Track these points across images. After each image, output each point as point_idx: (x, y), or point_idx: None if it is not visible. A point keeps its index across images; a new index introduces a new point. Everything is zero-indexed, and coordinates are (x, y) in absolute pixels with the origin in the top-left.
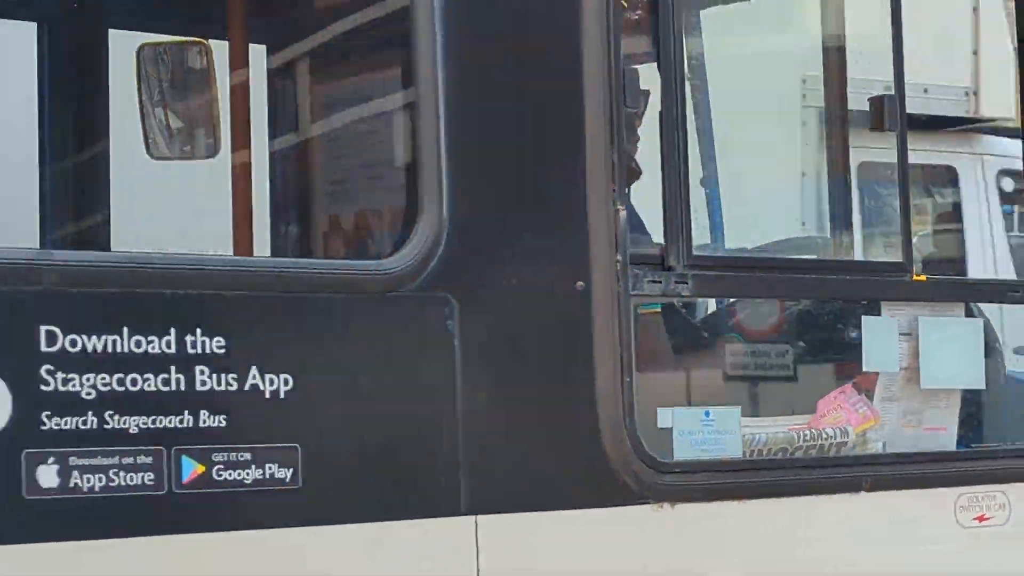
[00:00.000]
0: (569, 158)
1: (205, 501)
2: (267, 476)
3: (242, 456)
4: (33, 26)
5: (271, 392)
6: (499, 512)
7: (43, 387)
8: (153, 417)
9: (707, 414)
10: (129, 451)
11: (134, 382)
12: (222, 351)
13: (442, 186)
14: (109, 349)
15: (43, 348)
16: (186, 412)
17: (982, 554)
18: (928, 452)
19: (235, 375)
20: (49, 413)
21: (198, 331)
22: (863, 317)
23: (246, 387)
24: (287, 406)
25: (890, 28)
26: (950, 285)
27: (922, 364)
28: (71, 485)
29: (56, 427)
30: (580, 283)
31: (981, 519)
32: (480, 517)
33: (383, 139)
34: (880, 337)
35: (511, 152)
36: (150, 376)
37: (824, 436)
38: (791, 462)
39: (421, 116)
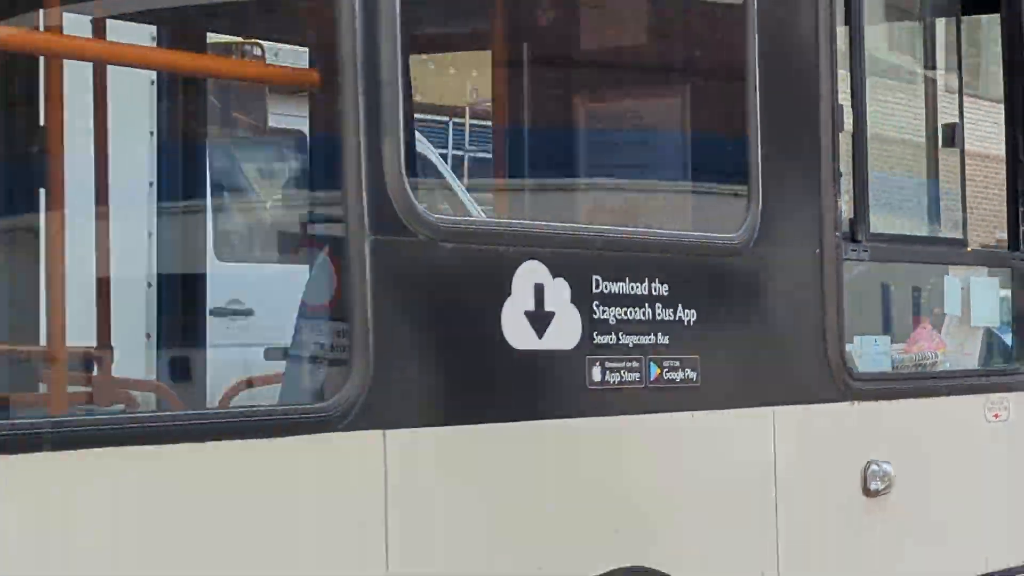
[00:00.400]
0: (815, 166)
1: (660, 392)
2: (686, 377)
3: (675, 363)
4: None
5: (687, 321)
6: (788, 404)
7: (593, 316)
8: (638, 336)
9: (875, 342)
10: (628, 358)
11: (630, 313)
12: (667, 294)
13: (755, 184)
14: (621, 291)
15: (594, 290)
16: (652, 333)
17: (998, 438)
18: (975, 370)
19: (671, 309)
20: (596, 332)
21: (656, 280)
22: (944, 277)
23: (676, 318)
24: (694, 331)
25: None
26: (988, 255)
27: (973, 309)
28: (605, 380)
29: (599, 342)
30: (817, 250)
31: (996, 416)
32: (778, 408)
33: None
34: (952, 291)
35: (794, 164)
36: (636, 309)
37: (926, 357)
38: (918, 375)
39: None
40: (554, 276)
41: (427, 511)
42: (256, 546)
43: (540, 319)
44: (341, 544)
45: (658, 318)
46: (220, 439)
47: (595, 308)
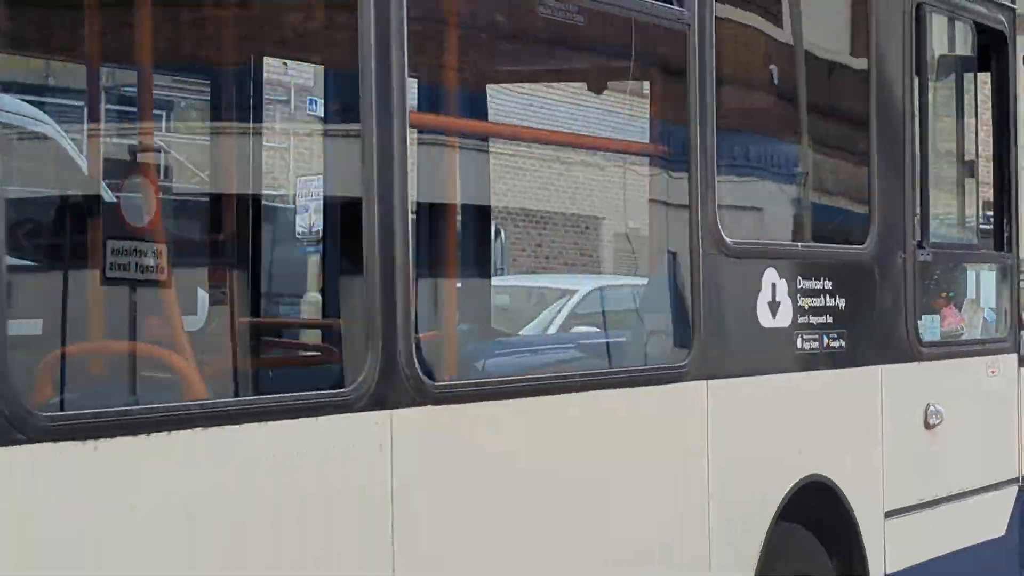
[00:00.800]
0: (902, 195)
1: (827, 355)
2: (840, 346)
3: (835, 336)
4: None
5: (840, 306)
6: (887, 364)
7: (797, 303)
8: (818, 316)
9: (932, 320)
10: (814, 332)
11: (814, 302)
12: (830, 288)
13: (874, 210)
14: (810, 287)
15: (798, 286)
16: (824, 315)
17: (994, 387)
18: (980, 339)
19: (832, 298)
20: (799, 315)
21: (825, 279)
22: (965, 267)
23: (834, 304)
24: (843, 313)
25: None
26: (989, 254)
27: (982, 292)
28: (803, 347)
29: (800, 321)
30: (902, 254)
31: (992, 372)
32: (883, 367)
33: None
34: (970, 281)
35: (893, 195)
36: (817, 299)
37: (954, 331)
38: (952, 343)
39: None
40: (780, 277)
41: (737, 430)
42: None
43: (774, 307)
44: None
45: (827, 304)
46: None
47: (799, 299)
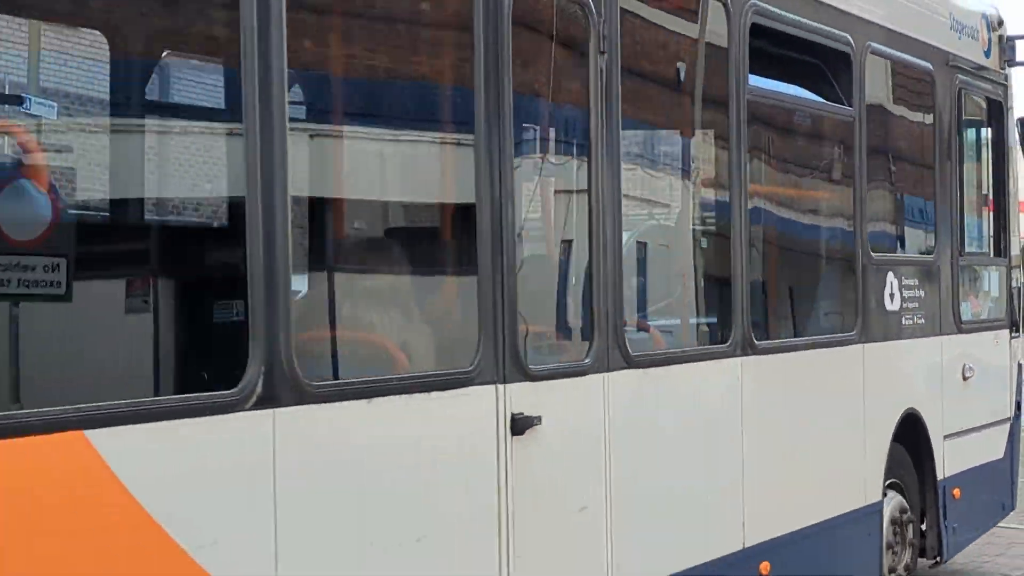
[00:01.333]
0: (949, 216)
1: (916, 328)
2: (924, 323)
3: (920, 317)
4: None
5: (921, 296)
6: (944, 335)
7: (902, 294)
8: (910, 303)
9: (966, 305)
10: (909, 313)
11: (908, 293)
12: (915, 283)
13: (936, 229)
14: (906, 283)
15: (901, 283)
16: (912, 302)
17: (995, 353)
18: (991, 319)
19: (915, 292)
20: (902, 302)
21: (913, 278)
22: (982, 269)
23: (916, 295)
24: (923, 300)
25: None
26: (994, 259)
27: (991, 285)
28: (905, 323)
29: (904, 307)
30: (951, 261)
31: (996, 342)
32: (942, 337)
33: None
34: (985, 277)
35: (944, 216)
36: (909, 291)
37: (979, 312)
38: (977, 321)
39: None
40: (894, 277)
41: (878, 378)
42: None
43: (892, 297)
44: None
45: (915, 295)
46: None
47: (903, 291)
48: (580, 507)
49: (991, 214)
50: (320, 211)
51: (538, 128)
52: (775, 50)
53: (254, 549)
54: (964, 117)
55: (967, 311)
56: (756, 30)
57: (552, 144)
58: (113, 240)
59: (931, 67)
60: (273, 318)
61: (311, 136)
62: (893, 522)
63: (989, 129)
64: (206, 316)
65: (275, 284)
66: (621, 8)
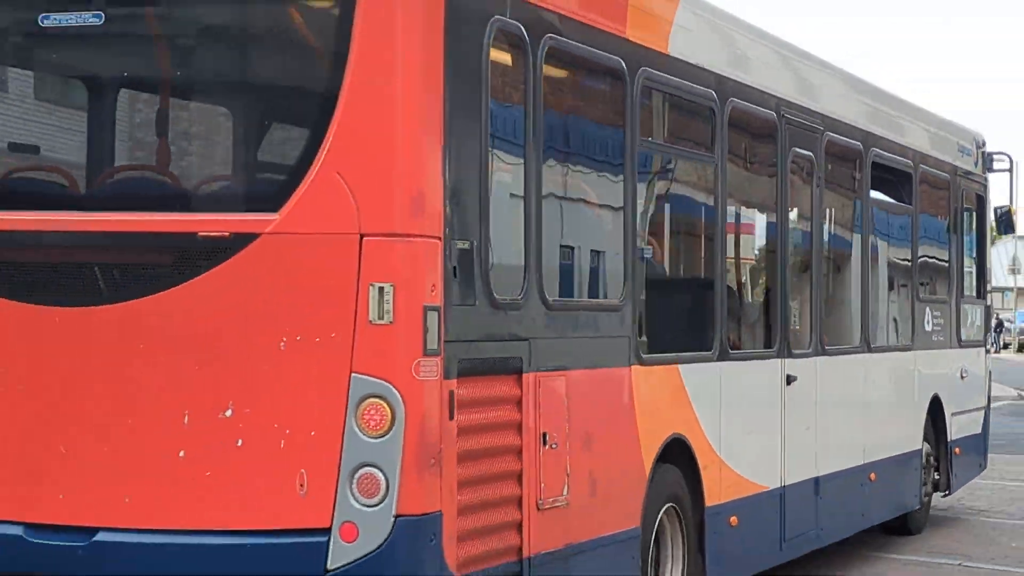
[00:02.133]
0: (960, 264)
1: (937, 337)
2: (948, 336)
3: (940, 326)
4: None
5: (944, 317)
6: (954, 348)
7: (925, 309)
8: (935, 317)
9: (964, 330)
10: (935, 322)
11: (932, 312)
12: (937, 312)
13: (950, 274)
14: (928, 297)
15: (925, 298)
16: (939, 318)
17: (976, 363)
18: (974, 340)
19: (937, 314)
20: (926, 315)
21: (935, 310)
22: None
23: (938, 316)
24: (946, 319)
25: None
26: (979, 300)
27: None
28: (929, 330)
29: (930, 318)
30: (957, 301)
31: (977, 355)
32: (961, 349)
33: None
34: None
35: (957, 263)
36: (934, 308)
37: (969, 335)
38: (968, 340)
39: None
40: (930, 311)
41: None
42: None
43: (928, 320)
44: None
45: (940, 320)
46: None
47: (934, 319)
48: (805, 427)
49: (975, 269)
50: None
51: None
52: (876, 174)
53: None
54: (964, 207)
55: (964, 334)
56: (876, 167)
57: None
58: None
59: (949, 177)
60: None
61: None
62: (925, 461)
63: (975, 214)
64: None
65: None
66: None
